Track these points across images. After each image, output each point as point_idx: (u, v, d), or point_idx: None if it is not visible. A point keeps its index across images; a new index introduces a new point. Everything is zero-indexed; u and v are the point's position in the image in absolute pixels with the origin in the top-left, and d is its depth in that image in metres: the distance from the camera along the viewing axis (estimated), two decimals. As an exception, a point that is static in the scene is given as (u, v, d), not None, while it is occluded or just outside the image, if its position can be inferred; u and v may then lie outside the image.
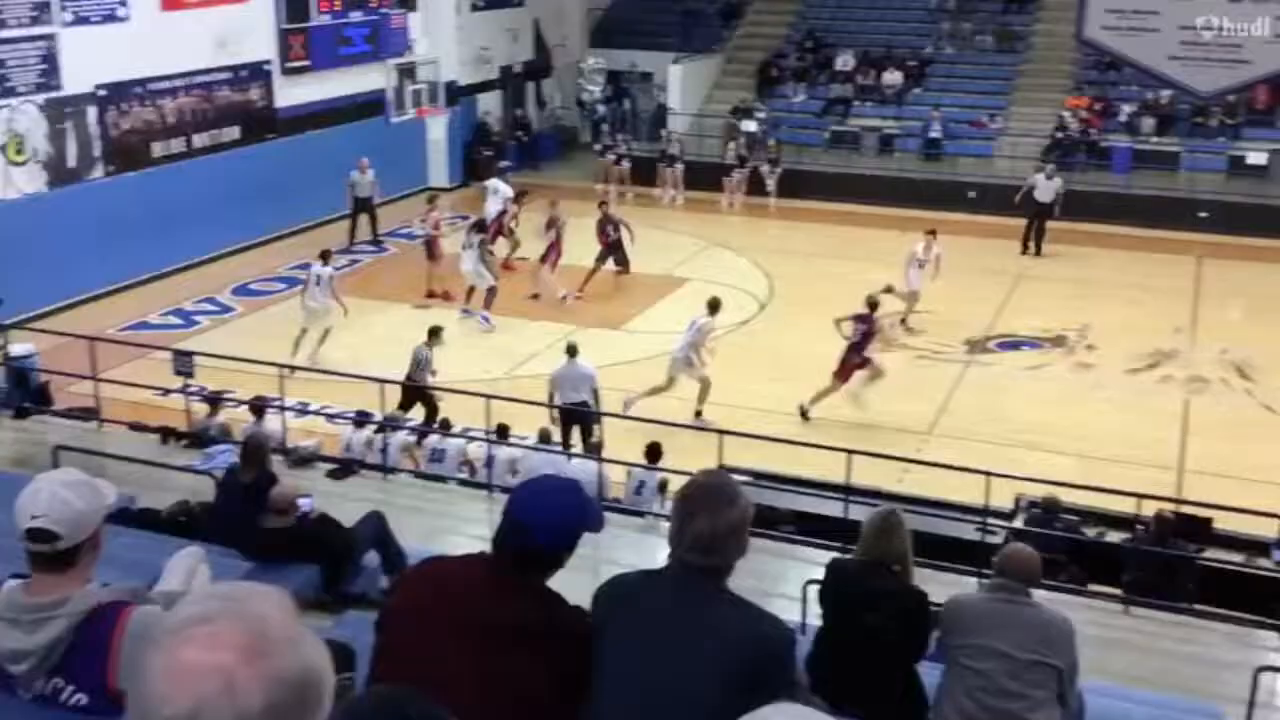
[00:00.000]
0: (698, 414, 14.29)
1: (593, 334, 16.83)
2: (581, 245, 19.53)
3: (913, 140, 26.87)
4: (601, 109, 29.27)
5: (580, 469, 11.34)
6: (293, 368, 13.83)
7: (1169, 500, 11.03)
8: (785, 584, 8.37)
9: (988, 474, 10.34)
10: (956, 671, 4.87)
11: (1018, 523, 10.53)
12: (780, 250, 22.13)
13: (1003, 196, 23.98)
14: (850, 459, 10.51)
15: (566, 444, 12.87)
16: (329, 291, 16.44)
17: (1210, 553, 10.17)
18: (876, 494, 10.15)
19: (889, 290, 17.23)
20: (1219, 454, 13.79)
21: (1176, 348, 17.21)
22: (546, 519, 2.77)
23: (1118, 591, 9.44)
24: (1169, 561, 9.69)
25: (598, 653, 2.78)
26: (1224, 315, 18.83)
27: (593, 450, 12.33)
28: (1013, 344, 17.57)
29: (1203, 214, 22.52)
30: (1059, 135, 25.92)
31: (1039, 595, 5.16)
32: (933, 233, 18.35)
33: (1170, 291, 19.59)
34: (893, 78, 28.14)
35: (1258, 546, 10.30)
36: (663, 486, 11.26)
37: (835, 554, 7.22)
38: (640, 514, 10.91)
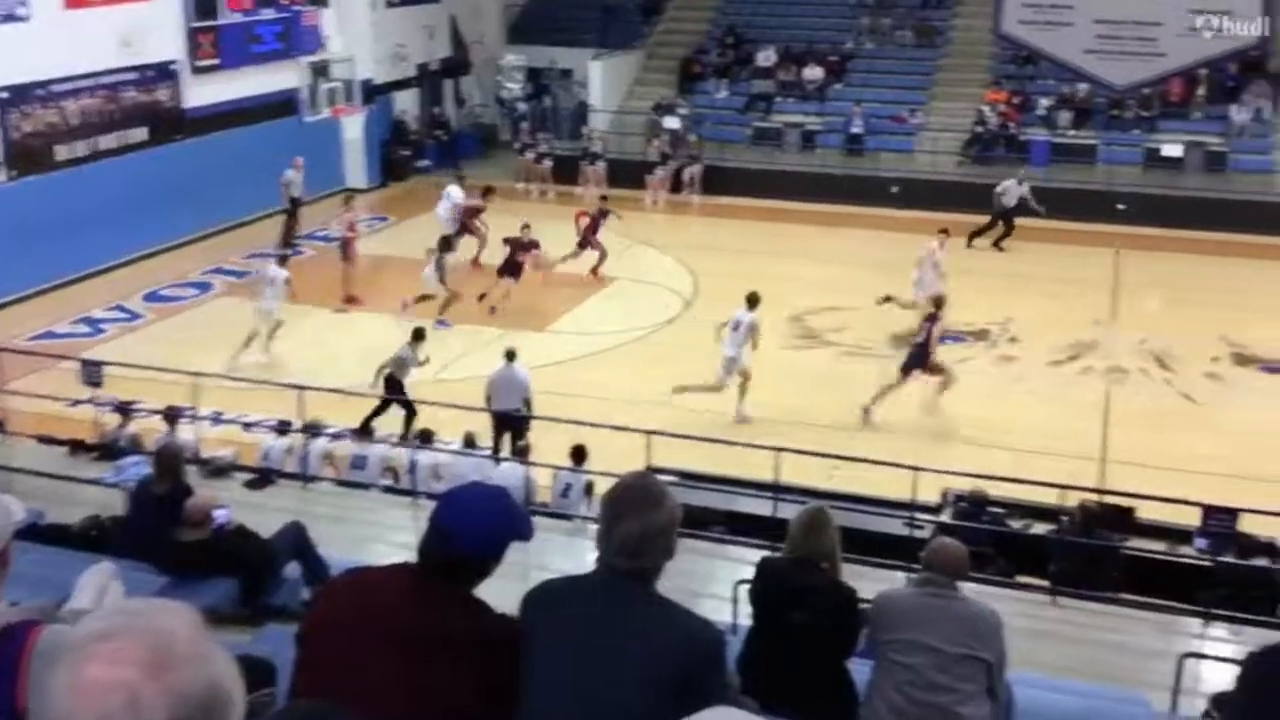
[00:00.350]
0: (740, 411, 14.49)
1: (518, 336, 16.64)
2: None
3: (835, 136, 27.02)
4: (522, 107, 29.05)
5: (506, 473, 11.19)
6: (248, 373, 13.53)
7: (1092, 491, 11.16)
8: (716, 584, 8.30)
9: (914, 469, 10.39)
10: (886, 666, 4.84)
11: (945, 517, 10.56)
12: (705, 247, 22.11)
13: (924, 191, 24.27)
14: (779, 456, 10.48)
15: (497, 449, 12.70)
16: (281, 294, 16.26)
17: (1134, 542, 10.28)
18: (806, 492, 10.12)
19: (888, 300, 17.38)
20: (1141, 443, 14.00)
21: (1096, 339, 17.45)
22: (473, 527, 2.74)
23: (1044, 583, 9.50)
24: (1093, 552, 9.79)
25: (526, 660, 2.75)
26: (1142, 306, 19.14)
27: (520, 454, 12.17)
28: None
29: (1120, 206, 22.90)
30: (978, 129, 26.22)
31: (967, 589, 5.14)
32: (945, 231, 18.44)
33: (1089, 283, 19.87)
34: (814, 74, 28.27)
35: (1180, 535, 10.42)
36: (589, 489, 11.14)
37: (766, 553, 7.14)
38: (568, 517, 10.78)
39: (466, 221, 20.35)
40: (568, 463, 11.47)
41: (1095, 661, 8.27)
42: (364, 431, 12.70)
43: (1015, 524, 10.56)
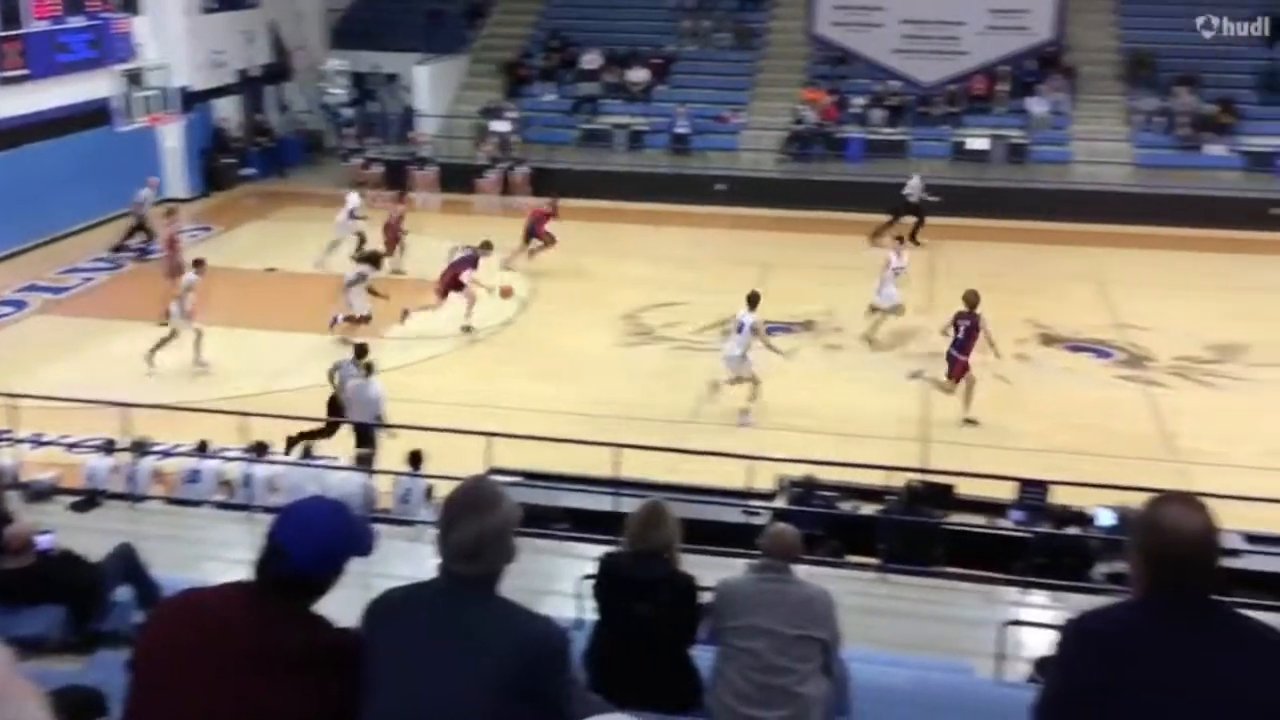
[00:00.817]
0: (744, 411, 14.61)
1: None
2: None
3: (661, 136, 27.41)
4: (347, 112, 28.60)
5: (345, 482, 11.07)
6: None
7: (915, 470, 11.66)
8: (560, 581, 8.38)
9: (749, 458, 10.69)
10: (728, 652, 4.99)
11: (780, 503, 10.88)
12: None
13: (748, 188, 24.86)
14: (619, 453, 10.64)
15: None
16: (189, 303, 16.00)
17: (955, 517, 10.78)
18: (646, 485, 10.31)
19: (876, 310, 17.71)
20: (958, 423, 14.69)
21: (917, 326, 18.15)
22: (311, 544, 2.69)
23: (874, 561, 9.90)
24: (918, 529, 10.24)
25: (369, 671, 2.72)
26: (956, 293, 19.94)
27: (361, 463, 12.05)
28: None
29: (933, 198, 23.83)
30: (798, 128, 26.96)
31: (801, 571, 5.33)
32: (901, 239, 18.82)
33: (909, 273, 20.63)
34: (638, 76, 28.63)
35: (997, 508, 10.99)
36: (429, 493, 11.10)
37: (609, 548, 7.28)
38: (409, 523, 10.73)
39: (391, 236, 20.37)
40: (406, 468, 11.41)
41: (924, 634, 8.67)
42: (302, 450, 12.17)
43: (845, 506, 10.96)
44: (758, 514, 10.32)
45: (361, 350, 13.75)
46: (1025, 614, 8.95)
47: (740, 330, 15.06)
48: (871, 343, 17.69)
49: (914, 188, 22.72)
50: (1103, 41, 28.18)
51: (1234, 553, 9.99)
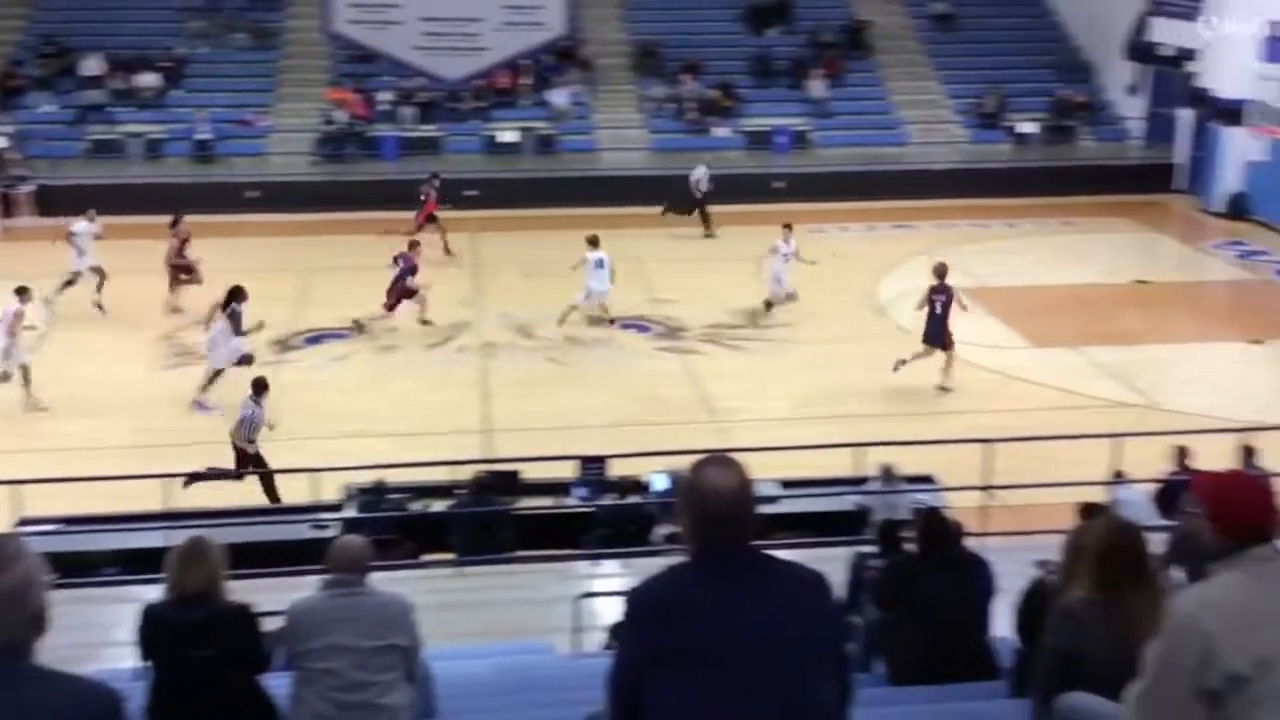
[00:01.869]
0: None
1: None
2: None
3: (181, 144, 25.92)
4: None
5: None
6: None
7: (480, 461, 11.86)
8: (117, 630, 7.80)
9: (312, 470, 10.41)
10: (306, 675, 4.84)
11: (349, 512, 10.69)
12: (52, 274, 20.28)
13: (282, 193, 24.13)
14: (169, 485, 10.04)
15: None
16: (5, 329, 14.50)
17: (523, 502, 11.08)
18: (196, 515, 9.81)
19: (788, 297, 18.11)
20: (518, 410, 15.09)
21: (468, 319, 18.41)
22: None
23: (450, 556, 9.97)
24: (487, 518, 10.42)
25: None
26: (501, 282, 20.46)
27: None
28: (318, 338, 17.73)
29: (469, 192, 24.21)
30: (328, 128, 26.43)
31: (377, 578, 5.26)
32: (788, 226, 18.64)
33: (456, 266, 20.91)
34: (149, 80, 26.85)
35: (562, 488, 11.40)
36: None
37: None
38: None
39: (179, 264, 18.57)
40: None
41: (503, 620, 8.86)
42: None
43: (415, 506, 10.95)
44: (327, 526, 10.07)
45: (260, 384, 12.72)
46: (597, 585, 9.36)
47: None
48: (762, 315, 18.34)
49: (700, 177, 23.34)
50: (613, 34, 29.74)
51: (772, 499, 10.96)
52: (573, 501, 11.18)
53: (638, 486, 11.41)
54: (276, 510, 10.66)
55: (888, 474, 10.85)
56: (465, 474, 11.05)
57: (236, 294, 15.22)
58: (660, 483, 11.10)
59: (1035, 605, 5.00)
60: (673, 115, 27.73)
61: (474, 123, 27.35)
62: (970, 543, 8.21)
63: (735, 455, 3.02)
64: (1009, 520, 10.75)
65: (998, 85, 28.19)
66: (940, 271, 15.79)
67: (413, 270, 17.82)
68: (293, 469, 10.80)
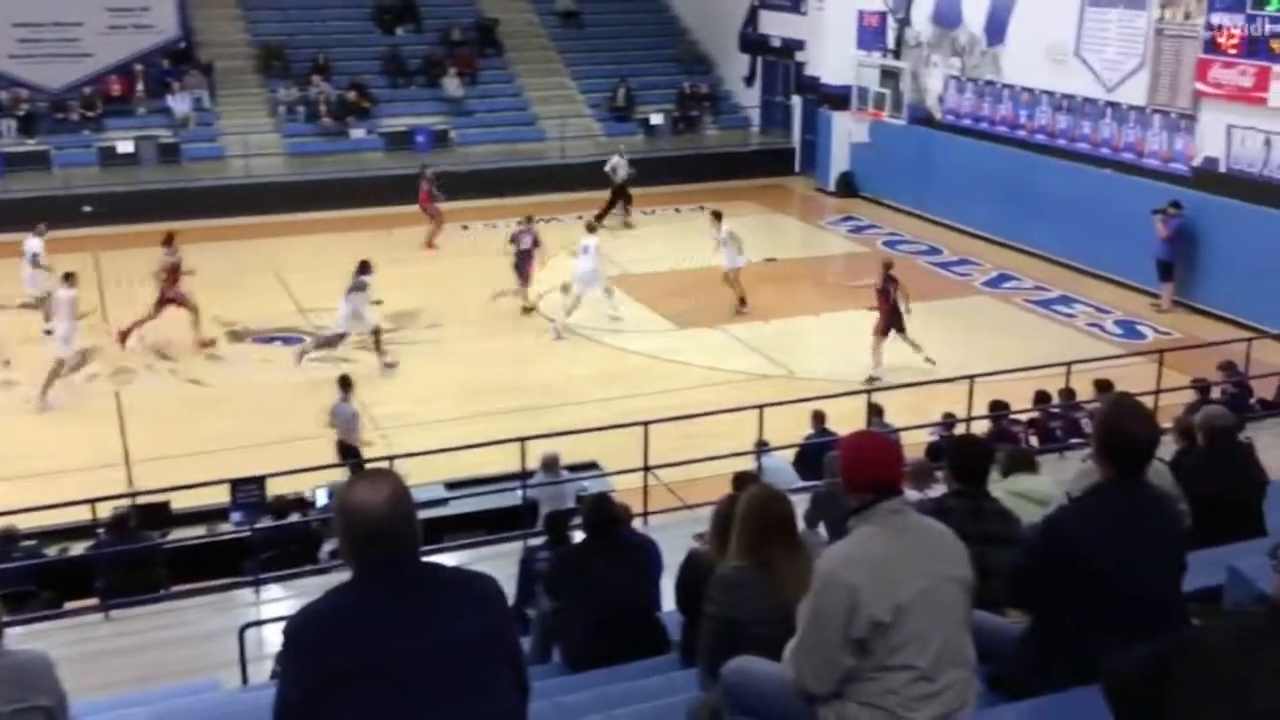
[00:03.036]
0: None
1: None
2: None
3: None
4: None
5: None
6: None
7: (124, 496, 11.06)
8: None
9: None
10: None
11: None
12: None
13: None
14: None
15: None
16: None
17: (175, 534, 10.45)
18: None
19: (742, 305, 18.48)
20: (163, 437, 14.16)
21: (96, 344, 17.11)
22: None
23: (95, 601, 9.26)
24: (136, 555, 9.74)
25: None
26: (131, 303, 19.13)
27: None
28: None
29: (87, 208, 22.51)
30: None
31: (13, 635, 4.81)
32: (718, 214, 19.27)
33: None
34: None
35: (217, 514, 10.84)
36: None
37: None
38: None
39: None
40: None
41: (159, 663, 8.31)
42: None
43: (51, 551, 10.11)
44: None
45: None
46: (263, 611, 8.96)
47: None
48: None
49: (617, 165, 23.81)
50: (234, 35, 28.47)
51: (440, 502, 10.89)
52: (229, 527, 10.65)
53: (300, 504, 11.03)
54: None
55: (551, 464, 11.01)
56: (107, 511, 10.29)
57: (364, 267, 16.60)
58: (323, 497, 10.80)
59: (692, 577, 5.20)
60: (305, 118, 26.88)
61: (86, 133, 25.43)
62: (636, 523, 8.47)
63: (402, 460, 2.98)
64: (670, 498, 11.18)
65: (625, 80, 29.15)
66: (889, 264, 16.64)
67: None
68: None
